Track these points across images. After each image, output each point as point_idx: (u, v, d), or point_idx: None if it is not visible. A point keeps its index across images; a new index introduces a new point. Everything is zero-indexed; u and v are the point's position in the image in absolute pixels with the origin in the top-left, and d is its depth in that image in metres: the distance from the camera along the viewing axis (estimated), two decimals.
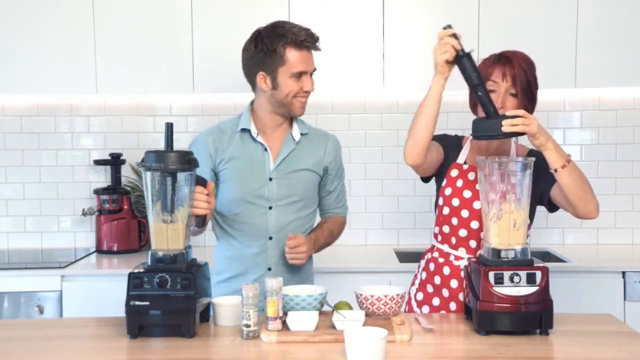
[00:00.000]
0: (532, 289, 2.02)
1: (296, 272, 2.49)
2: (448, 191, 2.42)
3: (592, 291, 3.11)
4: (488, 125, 2.18)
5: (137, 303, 2.02)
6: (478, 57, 3.41)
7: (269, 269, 2.47)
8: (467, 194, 2.38)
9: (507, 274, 2.02)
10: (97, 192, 3.66)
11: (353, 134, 3.80)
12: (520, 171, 2.10)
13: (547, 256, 3.56)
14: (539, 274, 2.03)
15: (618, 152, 3.76)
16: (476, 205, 2.35)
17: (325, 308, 2.19)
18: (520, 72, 2.30)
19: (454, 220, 2.40)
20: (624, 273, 3.15)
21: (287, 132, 2.50)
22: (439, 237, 2.48)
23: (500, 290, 2.02)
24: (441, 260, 2.43)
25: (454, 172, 2.44)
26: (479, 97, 2.19)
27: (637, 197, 3.77)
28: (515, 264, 2.05)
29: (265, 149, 2.46)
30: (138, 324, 2.03)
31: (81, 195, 3.81)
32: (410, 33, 3.43)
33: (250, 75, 2.44)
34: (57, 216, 3.83)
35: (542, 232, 3.77)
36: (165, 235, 2.06)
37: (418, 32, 3.44)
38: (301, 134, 2.51)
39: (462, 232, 2.39)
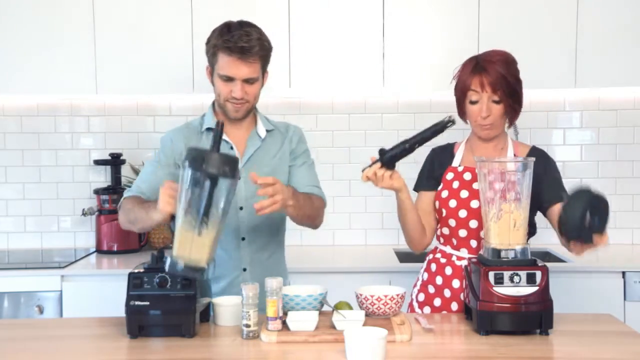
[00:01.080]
0: (532, 289, 2.02)
1: (270, 272, 2.38)
2: (445, 194, 2.42)
3: (592, 291, 3.11)
4: (579, 229, 1.99)
5: (137, 303, 2.02)
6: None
7: (244, 270, 2.44)
8: (464, 194, 2.38)
9: (507, 274, 2.03)
10: (97, 192, 3.66)
11: (353, 134, 3.80)
12: (520, 171, 2.10)
13: (547, 256, 3.56)
14: (539, 274, 2.03)
15: (618, 152, 3.76)
16: (474, 204, 2.35)
17: (325, 308, 2.19)
18: (499, 78, 2.29)
19: (452, 222, 2.40)
20: (624, 273, 3.15)
21: (251, 129, 2.46)
22: (441, 239, 2.48)
23: (500, 290, 2.02)
24: (443, 260, 2.44)
25: (449, 175, 2.44)
26: (427, 139, 2.21)
27: (637, 197, 3.77)
28: (515, 264, 2.05)
29: (232, 147, 2.42)
30: (138, 324, 2.03)
31: (81, 195, 3.81)
32: (410, 33, 3.43)
33: None
34: (57, 216, 3.83)
35: (542, 232, 3.74)
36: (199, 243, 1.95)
37: (418, 32, 3.44)
38: (267, 131, 2.46)
39: (462, 233, 2.39)
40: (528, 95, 3.73)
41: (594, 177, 3.77)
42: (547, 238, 3.75)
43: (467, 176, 2.41)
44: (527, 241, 2.15)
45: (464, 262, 2.36)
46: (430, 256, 2.51)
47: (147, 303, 2.02)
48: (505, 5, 3.41)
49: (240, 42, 2.27)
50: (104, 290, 3.15)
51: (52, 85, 3.46)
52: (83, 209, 3.68)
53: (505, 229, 2.08)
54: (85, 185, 3.82)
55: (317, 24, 3.44)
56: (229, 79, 2.32)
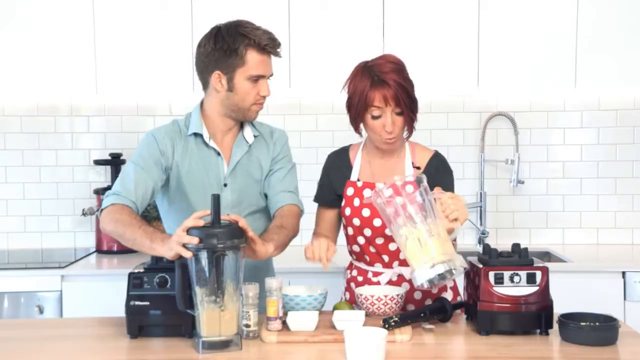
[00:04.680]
0: (532, 289, 2.02)
1: (258, 271, 2.35)
2: (348, 211, 2.35)
3: (592, 291, 3.11)
4: None
5: (137, 303, 2.02)
6: (478, 57, 3.42)
7: None
8: (365, 212, 2.31)
9: (507, 274, 2.03)
10: (97, 192, 3.66)
11: (353, 134, 3.79)
12: (403, 194, 2.03)
13: (547, 256, 3.56)
14: (539, 274, 2.03)
15: (618, 152, 3.76)
16: (376, 222, 2.28)
17: (325, 308, 2.19)
18: (399, 90, 2.21)
19: (361, 240, 2.36)
20: (624, 273, 3.15)
21: (237, 134, 2.37)
22: (353, 256, 2.44)
23: (500, 290, 2.02)
24: (360, 279, 2.39)
25: (349, 191, 2.38)
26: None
27: (637, 197, 3.77)
28: (515, 264, 2.05)
29: (218, 154, 2.33)
30: (138, 324, 2.03)
31: (81, 195, 3.81)
32: (410, 33, 3.43)
33: (204, 73, 2.29)
34: (57, 216, 3.82)
35: (542, 232, 3.77)
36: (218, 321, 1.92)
37: (418, 32, 3.43)
38: (254, 136, 2.38)
39: (372, 249, 2.35)
40: (528, 95, 3.76)
41: (594, 177, 3.77)
42: (547, 238, 3.77)
43: (367, 193, 2.33)
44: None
45: (381, 278, 2.33)
46: (348, 274, 2.46)
47: (147, 303, 2.02)
48: (505, 6, 3.41)
49: (267, 37, 2.23)
50: (104, 290, 3.14)
51: (52, 85, 3.46)
52: (83, 209, 3.68)
53: (415, 251, 2.00)
54: (85, 185, 3.82)
55: (317, 24, 3.44)
56: (258, 79, 2.25)
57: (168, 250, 1.95)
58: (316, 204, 2.48)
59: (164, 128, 2.35)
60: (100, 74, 3.44)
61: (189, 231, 1.91)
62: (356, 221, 2.33)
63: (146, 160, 2.27)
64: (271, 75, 2.30)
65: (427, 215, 2.02)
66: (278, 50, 2.28)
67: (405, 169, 2.35)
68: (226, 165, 2.34)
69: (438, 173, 2.33)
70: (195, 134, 2.33)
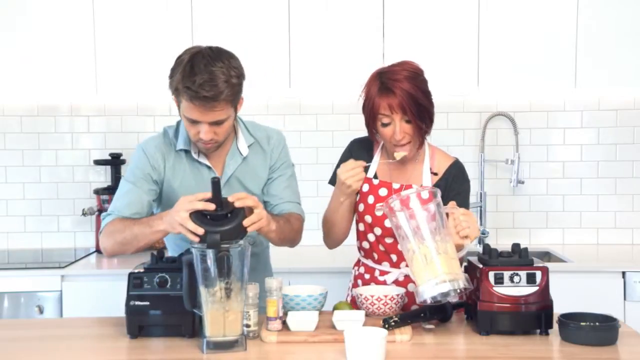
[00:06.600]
0: (532, 289, 2.02)
1: (256, 272, 2.33)
2: (361, 207, 2.34)
3: (592, 291, 3.11)
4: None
5: (137, 303, 2.02)
6: (478, 57, 3.42)
7: None
8: (379, 212, 2.27)
9: (507, 274, 2.03)
10: (97, 192, 3.66)
11: (353, 134, 3.78)
12: (408, 208, 2.02)
13: (547, 256, 3.56)
14: (539, 274, 2.03)
15: (618, 152, 3.76)
16: (388, 222, 2.25)
17: (325, 308, 2.19)
18: (406, 98, 2.18)
19: (371, 237, 2.35)
20: (624, 273, 3.15)
21: (230, 144, 2.30)
22: (362, 252, 2.44)
23: (500, 290, 2.02)
24: (367, 276, 2.39)
25: (365, 187, 2.35)
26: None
27: (637, 197, 3.77)
28: (515, 264, 2.05)
29: (209, 167, 2.28)
30: (138, 324, 2.03)
31: (81, 195, 3.81)
32: (410, 33, 3.43)
33: None
34: (57, 216, 3.82)
35: (542, 232, 3.77)
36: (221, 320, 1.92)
37: (418, 31, 3.43)
38: (248, 146, 2.31)
39: (381, 247, 2.35)
40: (528, 95, 3.76)
41: (594, 177, 3.77)
42: (547, 238, 3.78)
43: (383, 192, 2.32)
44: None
45: (388, 277, 2.34)
46: (355, 270, 2.47)
47: (147, 303, 2.02)
48: (505, 6, 3.41)
49: (203, 91, 2.03)
50: (104, 290, 3.14)
51: (52, 85, 3.46)
52: (83, 209, 3.68)
53: (421, 267, 2.00)
54: (85, 185, 3.82)
55: (317, 24, 3.44)
56: (195, 122, 2.12)
57: (169, 226, 1.99)
58: (318, 205, 2.46)
59: (153, 141, 2.31)
60: (100, 74, 3.44)
61: (192, 216, 1.92)
62: (368, 218, 2.33)
63: (137, 176, 2.25)
64: (217, 121, 2.12)
65: (437, 232, 2.02)
66: (214, 107, 2.07)
67: (423, 174, 2.34)
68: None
69: (455, 181, 2.33)
70: (186, 151, 2.29)
